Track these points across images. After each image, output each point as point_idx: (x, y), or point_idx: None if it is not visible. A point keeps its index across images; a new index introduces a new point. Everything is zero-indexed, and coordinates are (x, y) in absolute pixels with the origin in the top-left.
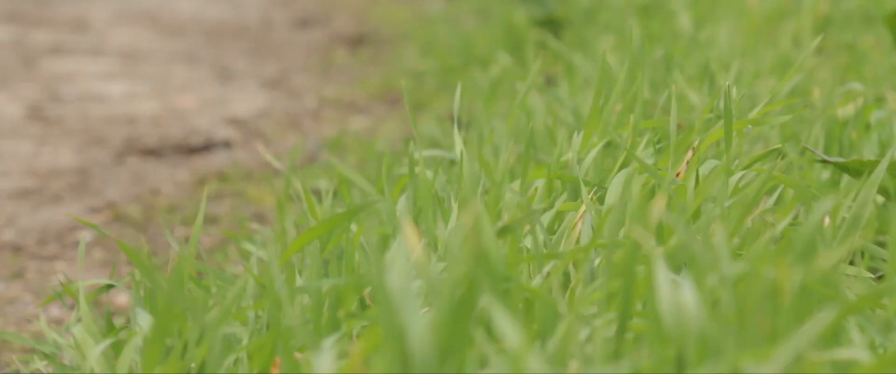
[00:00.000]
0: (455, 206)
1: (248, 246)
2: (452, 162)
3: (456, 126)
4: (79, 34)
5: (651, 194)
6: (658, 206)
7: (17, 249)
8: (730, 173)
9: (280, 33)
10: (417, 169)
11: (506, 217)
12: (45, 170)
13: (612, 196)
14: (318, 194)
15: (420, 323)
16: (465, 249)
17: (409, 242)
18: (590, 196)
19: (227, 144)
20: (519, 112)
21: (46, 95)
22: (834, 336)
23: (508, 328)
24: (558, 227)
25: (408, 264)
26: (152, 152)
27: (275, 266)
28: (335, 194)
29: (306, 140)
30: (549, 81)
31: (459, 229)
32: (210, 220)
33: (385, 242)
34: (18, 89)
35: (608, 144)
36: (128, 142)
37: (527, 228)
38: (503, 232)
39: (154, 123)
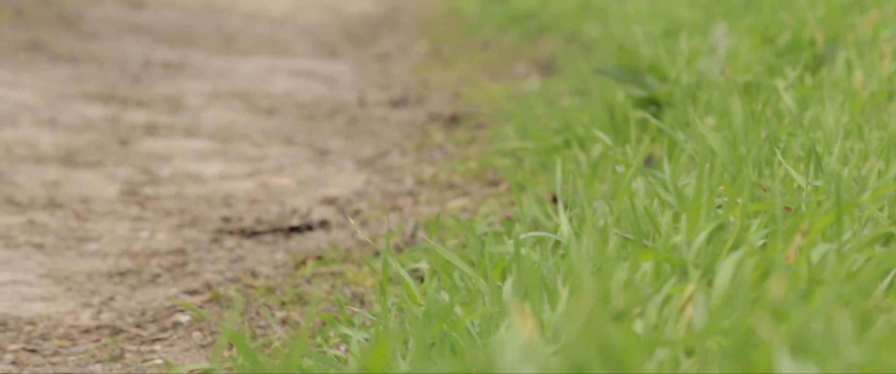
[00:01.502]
0: (563, 289)
1: (348, 330)
2: (557, 244)
3: (561, 207)
4: (173, 114)
5: (762, 278)
6: (776, 288)
7: (115, 331)
8: (844, 257)
9: (375, 113)
10: (522, 251)
11: (617, 301)
12: (142, 251)
13: (722, 280)
14: (418, 275)
15: None
16: (582, 334)
17: (520, 325)
18: (698, 280)
19: (323, 225)
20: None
21: (142, 175)
22: None
23: None
24: (666, 311)
25: (518, 349)
26: (249, 233)
27: (379, 351)
28: (435, 276)
29: (404, 221)
30: (650, 162)
31: (572, 313)
32: (307, 301)
33: (489, 325)
34: (114, 170)
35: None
36: (224, 222)
37: (637, 311)
38: (617, 317)
39: (250, 203)
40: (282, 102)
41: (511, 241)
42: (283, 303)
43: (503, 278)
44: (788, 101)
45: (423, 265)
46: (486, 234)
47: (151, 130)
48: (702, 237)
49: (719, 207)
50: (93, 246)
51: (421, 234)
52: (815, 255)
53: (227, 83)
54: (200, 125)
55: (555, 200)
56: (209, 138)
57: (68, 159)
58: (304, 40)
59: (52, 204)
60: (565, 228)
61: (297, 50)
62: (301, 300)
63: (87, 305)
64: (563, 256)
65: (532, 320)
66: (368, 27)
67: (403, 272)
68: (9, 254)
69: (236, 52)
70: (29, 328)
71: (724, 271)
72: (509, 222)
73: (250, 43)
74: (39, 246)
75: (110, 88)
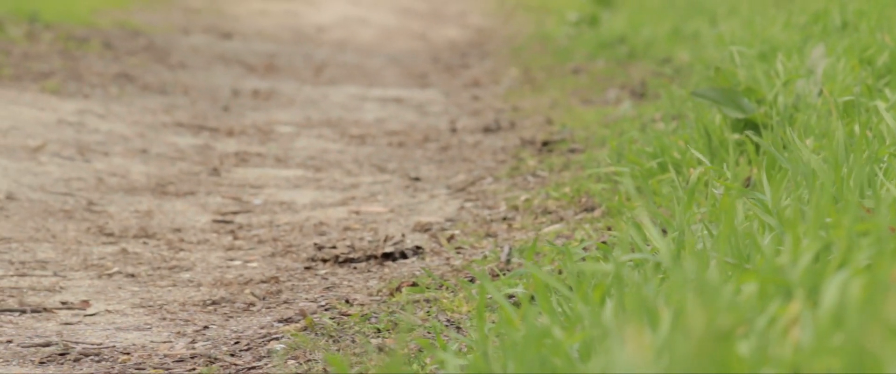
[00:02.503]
0: (665, 311)
1: (445, 355)
2: (655, 267)
3: (660, 230)
4: (264, 143)
5: (869, 299)
6: (892, 308)
7: (210, 360)
8: None
9: (467, 139)
10: (623, 273)
11: (722, 322)
12: (236, 279)
13: (829, 300)
14: (513, 301)
15: None
16: (693, 355)
17: (631, 346)
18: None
19: (417, 252)
20: (720, 215)
21: (234, 204)
22: None
23: None
24: (770, 332)
25: (630, 369)
26: (342, 260)
27: None
28: (533, 301)
29: (499, 247)
30: (747, 185)
31: (681, 334)
32: (403, 329)
33: (589, 349)
34: (206, 199)
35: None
36: (317, 250)
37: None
38: (723, 337)
39: (343, 230)
40: (373, 129)
41: (609, 264)
42: (379, 330)
43: (602, 302)
44: (890, 121)
45: (519, 291)
46: (583, 259)
47: (243, 159)
48: (807, 258)
49: (822, 228)
50: (186, 275)
51: (515, 259)
52: None
53: (318, 112)
54: (292, 154)
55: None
56: (301, 167)
57: (160, 189)
58: (394, 68)
59: (145, 234)
60: (665, 250)
61: (387, 78)
62: (396, 327)
63: (181, 334)
64: (662, 279)
65: (644, 340)
66: (458, 54)
67: (501, 297)
68: (102, 284)
69: (326, 80)
70: (124, 357)
71: (831, 291)
72: (605, 246)
73: (339, 71)
74: (133, 276)
75: (201, 117)
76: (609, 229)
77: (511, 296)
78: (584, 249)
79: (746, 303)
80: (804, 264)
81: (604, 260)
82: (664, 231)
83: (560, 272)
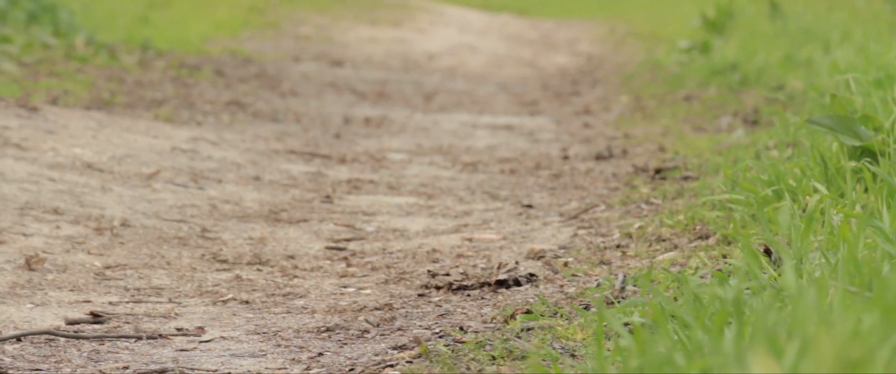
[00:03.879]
0: (789, 340)
1: None
2: (777, 293)
3: (783, 259)
4: (376, 170)
5: None
6: None
7: None
8: None
9: (579, 166)
10: (744, 300)
11: (851, 352)
12: (349, 306)
13: None
14: (628, 329)
15: None
16: None
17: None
18: None
19: (531, 279)
20: (838, 243)
21: (347, 231)
22: None
23: None
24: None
25: None
26: (456, 287)
27: None
28: (649, 328)
29: (613, 274)
30: (865, 212)
31: (812, 363)
32: (518, 356)
33: None
34: (319, 226)
35: None
36: (430, 277)
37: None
38: (854, 367)
39: (456, 258)
40: (484, 157)
41: (727, 291)
42: (493, 358)
43: (721, 330)
44: None
45: (635, 319)
46: (699, 287)
47: (355, 186)
48: None
49: None
50: (300, 302)
51: (630, 287)
52: None
53: (429, 139)
54: (404, 181)
55: (767, 252)
56: (413, 194)
57: (273, 216)
58: (504, 95)
59: (259, 261)
60: (788, 278)
61: (497, 105)
62: (511, 355)
63: (296, 360)
64: (780, 307)
65: (773, 365)
66: (568, 81)
67: (618, 324)
68: (217, 310)
69: (436, 107)
70: None
71: None
72: (721, 274)
73: (449, 99)
74: (247, 302)
75: (313, 144)
76: (724, 256)
77: (626, 324)
78: (700, 277)
79: (870, 332)
80: None
81: (720, 288)
82: (780, 259)
83: (675, 300)
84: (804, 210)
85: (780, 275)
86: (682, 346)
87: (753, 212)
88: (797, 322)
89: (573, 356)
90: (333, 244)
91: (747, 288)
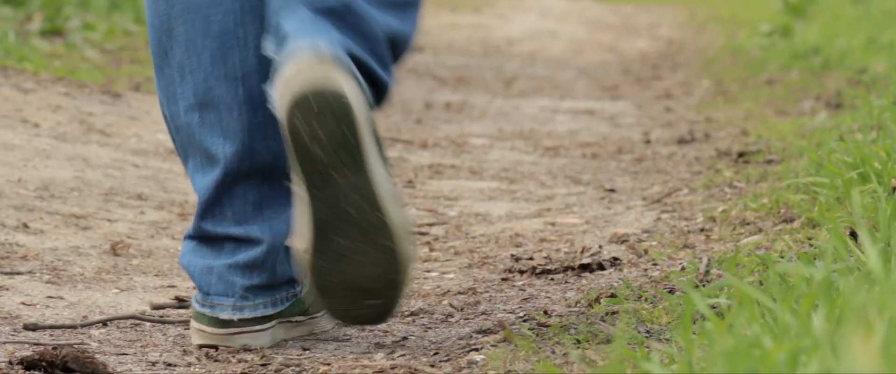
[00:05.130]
0: (879, 321)
1: (649, 365)
2: (867, 275)
3: (865, 239)
4: (458, 155)
5: None
6: None
7: (410, 371)
8: None
9: (661, 151)
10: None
11: None
12: (433, 291)
13: None
14: (716, 311)
15: None
16: None
17: (862, 352)
18: None
19: (614, 263)
20: None
21: (429, 215)
22: None
23: None
24: None
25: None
26: (539, 271)
27: None
28: (736, 311)
29: (697, 258)
30: None
31: None
32: (603, 339)
33: (795, 359)
34: None
35: None
36: (514, 261)
37: None
38: None
39: (539, 242)
40: (565, 141)
41: (816, 272)
42: (578, 341)
43: (808, 312)
44: None
45: (722, 301)
46: (787, 268)
47: (437, 171)
48: None
49: None
50: None
51: (714, 271)
52: None
53: (510, 124)
54: (485, 166)
55: (853, 235)
56: (495, 179)
57: None
58: (584, 80)
59: None
60: (874, 259)
61: (578, 90)
62: (596, 338)
63: (380, 345)
64: (868, 289)
65: (872, 343)
66: (648, 66)
67: (705, 307)
68: None
69: (516, 93)
70: (324, 368)
71: None
72: (806, 257)
73: (529, 84)
74: None
75: (394, 130)
76: (809, 240)
77: (713, 307)
78: (786, 260)
79: None
80: None
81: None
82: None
83: (761, 283)
84: (893, 190)
85: (867, 258)
86: (768, 329)
87: (838, 195)
88: (885, 303)
89: (658, 339)
90: (416, 229)
91: (834, 271)
